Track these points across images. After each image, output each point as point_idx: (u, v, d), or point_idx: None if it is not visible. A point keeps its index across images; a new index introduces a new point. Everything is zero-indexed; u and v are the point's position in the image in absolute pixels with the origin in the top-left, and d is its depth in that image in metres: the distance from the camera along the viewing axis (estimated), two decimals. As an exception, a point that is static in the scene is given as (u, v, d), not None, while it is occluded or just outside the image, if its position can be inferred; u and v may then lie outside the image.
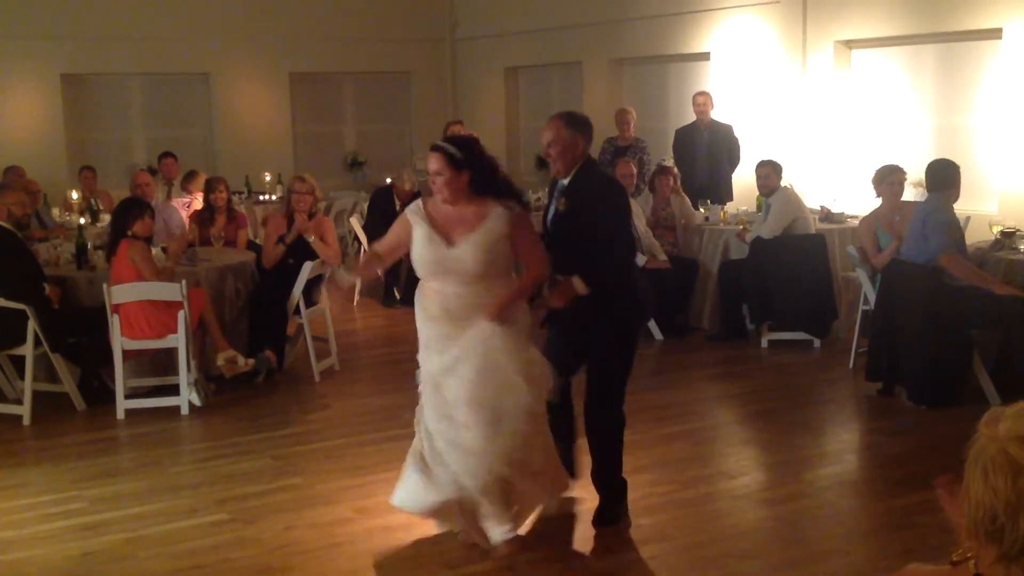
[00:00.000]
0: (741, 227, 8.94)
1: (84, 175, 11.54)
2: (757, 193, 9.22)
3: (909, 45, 9.96)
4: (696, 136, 10.67)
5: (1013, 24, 8.82)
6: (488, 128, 14.10)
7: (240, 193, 12.27)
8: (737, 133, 10.76)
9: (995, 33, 9.01)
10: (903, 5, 9.68)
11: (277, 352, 7.82)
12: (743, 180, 10.37)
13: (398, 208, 10.79)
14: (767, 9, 10.96)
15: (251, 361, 7.42)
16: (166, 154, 12.13)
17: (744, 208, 9.63)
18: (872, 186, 7.93)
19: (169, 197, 11.09)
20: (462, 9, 15.51)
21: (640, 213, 9.09)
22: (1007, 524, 1.85)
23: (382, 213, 10.90)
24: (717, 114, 10.80)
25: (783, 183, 8.78)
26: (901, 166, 7.96)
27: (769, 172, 8.74)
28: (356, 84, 15.60)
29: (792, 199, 8.69)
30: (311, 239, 8.20)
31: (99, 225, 9.95)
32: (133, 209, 7.32)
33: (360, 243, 11.03)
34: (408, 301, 10.58)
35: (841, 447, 6.48)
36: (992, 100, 9.25)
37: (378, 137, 15.61)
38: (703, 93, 10.81)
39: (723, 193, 10.44)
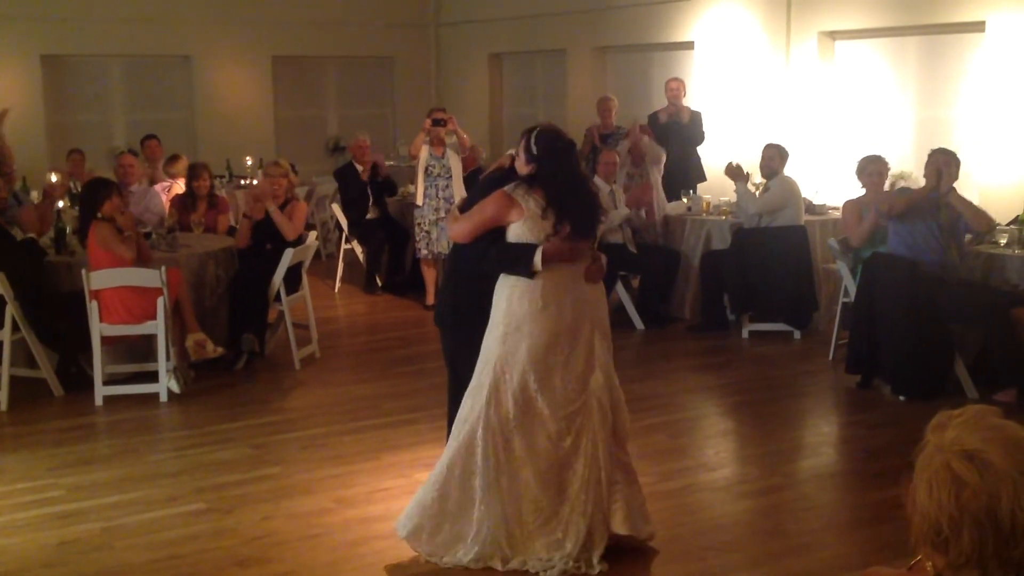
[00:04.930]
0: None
1: (72, 158, 11.10)
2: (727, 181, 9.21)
3: (893, 37, 9.97)
4: (668, 121, 10.64)
5: (996, 17, 8.83)
6: (471, 114, 14.04)
7: (221, 177, 12.18)
8: (720, 123, 10.77)
9: (978, 26, 9.01)
10: (887, -3, 9.68)
11: (258, 338, 7.79)
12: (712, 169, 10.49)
13: (361, 174, 10.64)
14: (752, -1, 10.95)
15: (220, 349, 7.34)
16: (149, 136, 11.96)
17: (725, 199, 9.60)
18: (856, 176, 7.94)
19: (154, 181, 10.94)
20: (446, -6, 15.43)
21: (621, 195, 9.18)
22: (951, 537, 1.85)
23: (348, 188, 10.83)
24: (702, 103, 10.82)
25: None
26: (883, 156, 7.99)
27: (774, 155, 8.74)
28: (339, 68, 15.50)
29: (791, 188, 8.66)
30: (271, 208, 8.12)
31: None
32: (101, 190, 7.22)
33: (342, 230, 10.96)
34: (389, 288, 10.75)
35: (820, 440, 6.50)
36: (975, 93, 9.26)
37: (361, 122, 15.41)
38: (676, 79, 10.85)
39: (692, 177, 10.50)
